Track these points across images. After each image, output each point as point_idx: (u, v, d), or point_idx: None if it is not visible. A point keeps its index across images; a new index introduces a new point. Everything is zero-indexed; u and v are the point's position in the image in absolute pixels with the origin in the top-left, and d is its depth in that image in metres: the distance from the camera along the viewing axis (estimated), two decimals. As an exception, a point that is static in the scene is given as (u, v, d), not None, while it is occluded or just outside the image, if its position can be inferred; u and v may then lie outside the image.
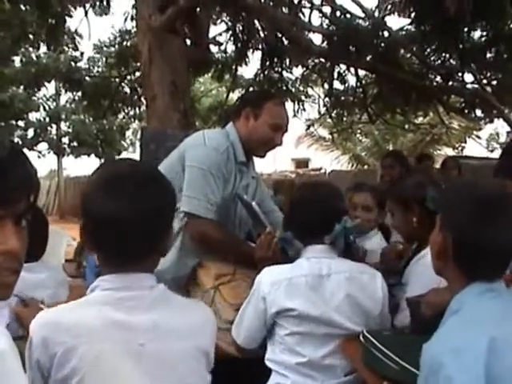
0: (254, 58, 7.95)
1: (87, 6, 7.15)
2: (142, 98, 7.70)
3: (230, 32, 7.26)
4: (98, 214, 1.05)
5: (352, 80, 7.79)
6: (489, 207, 1.05)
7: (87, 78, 9.29)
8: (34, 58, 9.84)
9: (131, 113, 9.81)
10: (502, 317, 0.99)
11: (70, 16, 6.95)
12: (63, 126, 18.62)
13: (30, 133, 18.51)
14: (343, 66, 7.41)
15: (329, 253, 1.61)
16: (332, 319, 1.53)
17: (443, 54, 6.24)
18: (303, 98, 8.85)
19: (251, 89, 8.44)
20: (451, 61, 6.33)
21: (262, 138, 2.01)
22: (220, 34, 7.42)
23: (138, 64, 6.54)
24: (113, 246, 1.08)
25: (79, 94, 9.37)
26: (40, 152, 19.10)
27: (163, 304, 1.11)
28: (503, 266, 1.07)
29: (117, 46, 8.48)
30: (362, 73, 7.46)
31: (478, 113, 7.22)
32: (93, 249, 1.12)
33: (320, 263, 1.58)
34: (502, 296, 1.04)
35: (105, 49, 8.96)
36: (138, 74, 8.03)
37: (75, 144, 18.45)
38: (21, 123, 17.98)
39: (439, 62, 6.38)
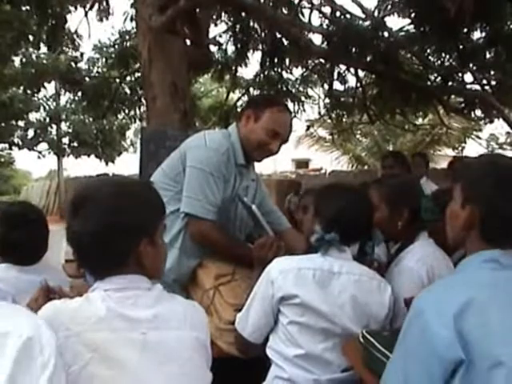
0: (254, 59, 7.99)
1: (87, 6, 7.17)
2: (142, 99, 7.71)
3: (230, 32, 7.27)
4: (66, 230, 1.17)
5: (352, 80, 7.81)
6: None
7: (87, 79, 9.28)
8: (34, 59, 9.82)
9: (131, 113, 9.81)
10: (489, 283, 1.07)
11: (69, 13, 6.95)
12: (63, 126, 18.62)
13: (30, 133, 18.53)
14: (343, 67, 7.42)
15: (346, 254, 1.63)
16: (334, 316, 1.54)
17: (443, 55, 6.25)
18: (303, 98, 8.85)
19: (251, 89, 8.46)
20: (451, 61, 6.33)
21: (257, 141, 2.00)
22: (220, 36, 7.43)
23: (138, 64, 6.55)
24: (79, 259, 1.18)
25: (79, 94, 9.35)
26: (40, 152, 19.13)
27: (162, 301, 1.17)
28: None
29: (117, 47, 8.47)
30: (361, 73, 7.47)
31: (478, 113, 7.22)
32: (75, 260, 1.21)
33: (333, 261, 1.59)
34: (503, 270, 1.10)
35: (105, 49, 8.94)
36: (138, 74, 8.04)
37: (75, 144, 18.45)
38: (21, 123, 17.98)
39: (439, 62, 6.38)
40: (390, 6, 6.00)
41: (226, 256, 1.95)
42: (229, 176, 1.98)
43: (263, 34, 7.09)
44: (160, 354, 1.11)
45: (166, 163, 2.08)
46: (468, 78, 6.62)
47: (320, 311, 1.54)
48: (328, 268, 1.57)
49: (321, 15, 6.69)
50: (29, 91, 10.22)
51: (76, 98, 9.79)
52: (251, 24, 6.89)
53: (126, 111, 9.60)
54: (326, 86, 8.08)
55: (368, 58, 6.07)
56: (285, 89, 8.13)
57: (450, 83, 6.43)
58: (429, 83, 6.63)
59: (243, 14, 6.49)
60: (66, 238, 1.17)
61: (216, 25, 7.15)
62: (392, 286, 1.67)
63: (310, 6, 6.68)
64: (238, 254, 1.93)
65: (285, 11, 6.34)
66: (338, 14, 6.36)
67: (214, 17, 6.80)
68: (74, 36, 8.09)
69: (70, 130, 18.33)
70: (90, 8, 7.38)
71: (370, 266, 1.72)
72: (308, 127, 11.17)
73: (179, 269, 1.97)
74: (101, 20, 7.38)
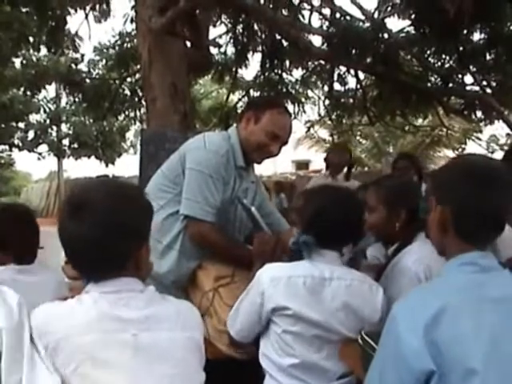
0: (254, 60, 7.97)
1: (87, 8, 7.18)
2: (142, 100, 7.71)
3: (230, 34, 7.27)
4: (60, 231, 1.15)
5: (352, 82, 7.80)
6: (480, 177, 1.12)
7: (87, 80, 9.28)
8: (35, 60, 9.83)
9: (131, 115, 9.80)
10: (464, 287, 1.07)
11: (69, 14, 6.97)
12: (63, 127, 18.64)
13: (31, 134, 18.55)
14: (343, 68, 7.41)
15: (336, 260, 1.61)
16: (327, 323, 1.52)
17: (443, 56, 6.25)
18: (303, 99, 8.84)
19: (251, 91, 8.46)
20: (451, 63, 6.33)
21: (257, 142, 2.00)
22: (220, 37, 7.43)
23: (138, 66, 6.55)
24: (75, 261, 1.17)
25: (79, 95, 9.36)
26: (40, 154, 19.15)
27: (154, 303, 1.17)
28: (495, 231, 1.16)
29: (117, 48, 8.47)
30: (361, 75, 7.47)
31: (478, 114, 7.21)
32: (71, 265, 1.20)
33: (323, 267, 1.57)
34: (482, 272, 1.10)
35: (105, 51, 8.95)
36: (138, 75, 8.04)
37: (75, 146, 18.46)
38: (21, 125, 18.00)
39: (439, 63, 6.38)
40: (389, 8, 6.00)
41: (225, 257, 1.95)
42: (228, 178, 1.98)
43: (263, 36, 7.10)
44: (152, 354, 1.11)
45: (166, 165, 2.09)
46: (468, 79, 6.61)
47: (313, 320, 1.51)
48: (319, 274, 1.55)
49: (321, 17, 6.69)
50: (29, 93, 10.21)
51: (76, 99, 9.76)
52: (251, 25, 6.89)
53: (126, 113, 9.59)
54: (326, 88, 8.08)
55: (368, 60, 6.06)
56: (285, 90, 8.11)
57: (450, 85, 6.42)
58: (429, 85, 6.62)
59: (243, 15, 6.50)
60: (60, 240, 1.15)
61: (216, 26, 7.15)
62: (390, 286, 1.66)
63: (309, 7, 6.69)
64: (237, 256, 1.93)
65: (285, 13, 6.34)
66: (337, 15, 6.37)
67: (214, 18, 6.80)
68: (75, 38, 8.10)
69: (70, 132, 18.34)
70: (90, 10, 7.39)
71: (359, 269, 1.71)
72: (308, 128, 11.17)
73: (179, 270, 1.97)
74: (99, 21, 7.39)
